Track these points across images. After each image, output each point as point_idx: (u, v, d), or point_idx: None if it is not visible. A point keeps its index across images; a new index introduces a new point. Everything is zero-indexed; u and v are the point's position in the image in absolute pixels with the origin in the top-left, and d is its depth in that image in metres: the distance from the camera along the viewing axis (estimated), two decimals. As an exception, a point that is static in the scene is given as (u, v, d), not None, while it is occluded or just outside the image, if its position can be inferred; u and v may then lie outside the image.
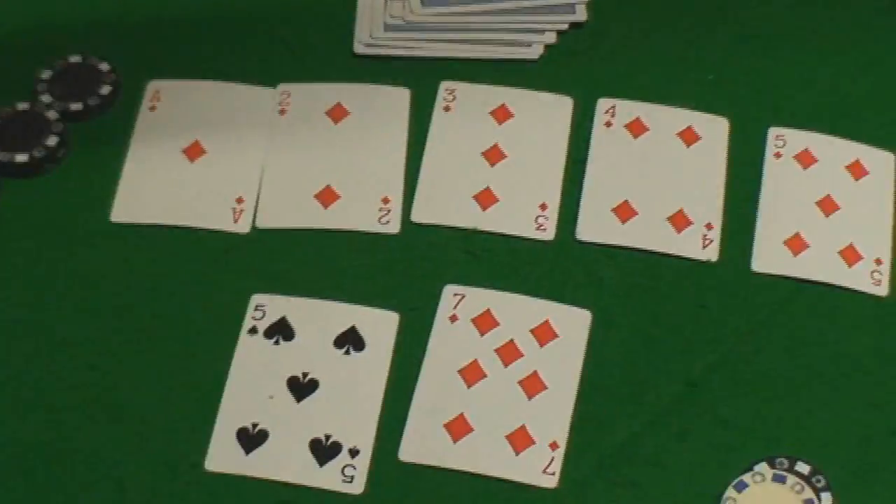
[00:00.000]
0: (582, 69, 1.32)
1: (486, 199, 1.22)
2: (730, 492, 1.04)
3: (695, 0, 1.43)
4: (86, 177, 1.25)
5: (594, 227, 1.22)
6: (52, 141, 1.25)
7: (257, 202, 1.24)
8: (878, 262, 1.20)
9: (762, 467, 1.05)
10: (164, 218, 1.23)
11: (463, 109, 1.28)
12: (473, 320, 1.14)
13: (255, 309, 1.15)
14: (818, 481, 1.05)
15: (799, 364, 1.14)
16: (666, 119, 1.28)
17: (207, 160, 1.26)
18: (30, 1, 1.45)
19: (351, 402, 1.10)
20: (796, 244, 1.20)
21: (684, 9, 1.41)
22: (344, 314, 1.15)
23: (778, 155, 1.26)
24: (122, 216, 1.23)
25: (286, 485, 1.06)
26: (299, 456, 1.07)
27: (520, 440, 1.07)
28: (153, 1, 1.47)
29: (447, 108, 1.27)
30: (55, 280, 1.21)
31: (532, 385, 1.10)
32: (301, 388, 1.10)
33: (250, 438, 1.07)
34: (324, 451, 1.06)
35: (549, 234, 1.20)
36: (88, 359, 1.15)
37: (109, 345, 1.16)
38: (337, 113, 1.28)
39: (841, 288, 1.18)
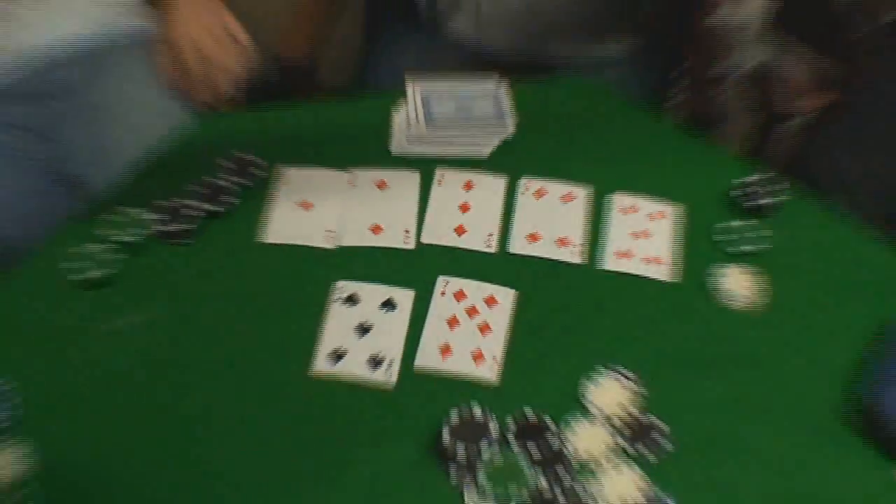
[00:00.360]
0: (511, 161, 1.32)
1: (460, 230, 1.23)
2: (585, 384, 1.07)
3: (570, 122, 1.41)
4: (248, 218, 1.26)
5: (517, 245, 1.23)
6: (232, 199, 1.26)
7: (339, 232, 1.24)
8: (663, 261, 1.22)
9: (602, 370, 1.08)
10: (290, 240, 1.24)
11: (448, 183, 1.29)
12: (453, 294, 1.16)
13: (338, 289, 1.17)
14: (634, 379, 1.08)
15: (626, 318, 1.16)
16: (556, 188, 1.28)
17: (312, 210, 1.27)
18: (217, 123, 1.46)
19: (389, 337, 1.12)
20: (625, 255, 1.22)
21: (568, 128, 1.40)
22: (385, 291, 1.16)
23: (616, 208, 1.27)
24: (269, 239, 1.23)
25: (355, 381, 1.08)
26: (363, 365, 1.09)
27: (478, 357, 1.10)
28: (279, 128, 1.44)
29: (440, 182, 1.29)
30: (231, 272, 1.22)
31: (485, 328, 1.13)
32: (363, 329, 1.12)
33: (338, 356, 1.10)
34: (375, 362, 1.09)
35: (493, 249, 1.22)
36: (244, 318, 1.16)
37: (256, 310, 1.17)
38: (381, 184, 1.28)
39: (645, 277, 1.20)
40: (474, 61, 1.69)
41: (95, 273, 1.19)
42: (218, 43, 1.57)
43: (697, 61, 1.73)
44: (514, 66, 1.63)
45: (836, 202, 1.36)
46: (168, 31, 1.60)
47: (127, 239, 1.22)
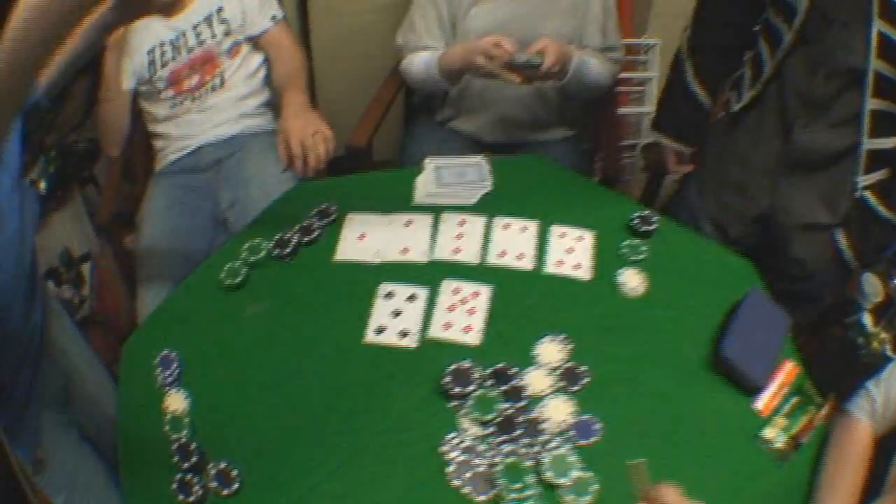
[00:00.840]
0: (489, 206, 1.28)
1: (457, 250, 1.20)
2: (536, 344, 1.06)
3: (526, 183, 1.38)
4: (327, 244, 1.23)
5: (492, 259, 1.20)
6: (318, 233, 1.24)
7: (382, 252, 1.21)
8: (584, 267, 1.19)
9: (547, 336, 1.06)
10: (352, 257, 1.21)
11: (449, 220, 1.25)
12: (452, 290, 1.14)
13: (381, 288, 1.14)
14: (566, 341, 1.06)
15: (561, 303, 1.14)
16: (516, 223, 1.25)
17: (366, 238, 1.23)
18: (310, 186, 1.43)
19: (413, 318, 1.10)
20: (560, 263, 1.19)
21: (525, 186, 1.36)
22: (410, 289, 1.13)
23: (554, 234, 1.24)
24: (339, 257, 1.21)
25: (391, 345, 1.07)
26: (395, 335, 1.08)
27: (467, 329, 1.08)
28: (347, 188, 1.41)
29: (444, 221, 1.25)
30: (316, 279, 1.19)
31: (472, 311, 1.10)
32: (396, 313, 1.10)
33: (381, 330, 1.08)
34: (403, 333, 1.08)
35: (477, 261, 1.19)
36: (323, 305, 1.14)
37: (331, 300, 1.15)
38: (408, 222, 1.25)
39: (573, 277, 1.17)
40: (469, 145, 1.67)
41: (234, 280, 1.18)
42: (313, 136, 1.56)
43: (610, 139, 1.71)
44: (493, 147, 1.64)
45: (692, 227, 1.37)
46: (283, 128, 1.60)
47: (253, 259, 1.21)
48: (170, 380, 1.05)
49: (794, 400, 1.03)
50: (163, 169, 1.66)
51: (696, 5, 1.37)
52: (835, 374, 1.27)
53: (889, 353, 1.33)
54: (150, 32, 1.57)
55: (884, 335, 1.35)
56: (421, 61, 1.58)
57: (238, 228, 1.42)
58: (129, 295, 1.59)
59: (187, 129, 1.65)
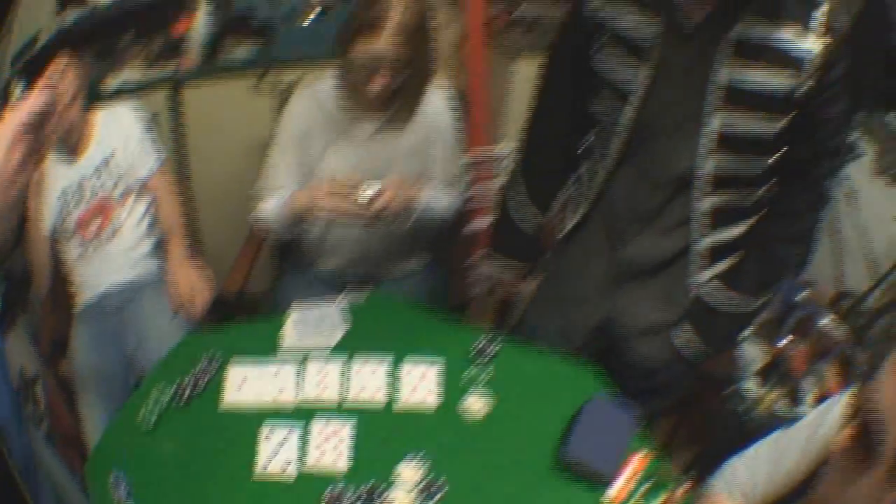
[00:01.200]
0: (349, 345, 1.43)
1: (322, 389, 1.35)
2: (395, 468, 1.21)
3: (381, 319, 1.51)
4: (215, 391, 1.35)
5: (354, 394, 1.33)
6: (205, 382, 1.37)
7: (266, 396, 1.34)
8: (433, 394, 1.33)
9: (404, 459, 1.22)
10: (239, 401, 1.33)
11: (313, 363, 1.40)
12: (322, 427, 1.29)
13: (266, 429, 1.28)
14: (421, 462, 1.22)
15: (414, 428, 1.28)
16: (372, 359, 1.40)
17: (246, 385, 1.36)
18: (198, 333, 1.56)
19: (290, 453, 1.24)
20: (411, 394, 1.33)
21: (378, 322, 1.50)
22: (287, 427, 1.29)
23: (405, 369, 1.37)
24: (227, 401, 1.33)
25: (276, 478, 1.22)
26: (278, 469, 1.23)
27: (339, 456, 1.24)
28: (229, 338, 1.49)
29: (309, 364, 1.39)
30: (209, 421, 1.31)
31: (339, 443, 1.26)
32: (277, 450, 1.26)
33: (266, 465, 1.24)
34: (285, 467, 1.23)
35: (340, 397, 1.33)
36: (221, 441, 1.27)
37: (224, 438, 1.28)
38: (280, 368, 1.39)
39: (423, 404, 1.30)
40: (333, 285, 1.73)
41: (149, 422, 1.31)
42: (198, 282, 1.73)
43: (456, 262, 1.84)
44: (356, 283, 1.76)
45: (539, 340, 1.46)
46: (169, 278, 1.76)
47: (160, 404, 1.34)
48: (123, 496, 1.19)
49: (647, 484, 1.14)
50: (80, 309, 1.76)
51: (523, 127, 1.37)
52: (702, 452, 1.38)
53: (781, 411, 1.40)
54: (59, 177, 1.68)
55: (774, 394, 1.42)
56: (274, 205, 1.60)
57: (145, 369, 1.52)
58: (76, 414, 1.66)
59: (93, 273, 1.76)
